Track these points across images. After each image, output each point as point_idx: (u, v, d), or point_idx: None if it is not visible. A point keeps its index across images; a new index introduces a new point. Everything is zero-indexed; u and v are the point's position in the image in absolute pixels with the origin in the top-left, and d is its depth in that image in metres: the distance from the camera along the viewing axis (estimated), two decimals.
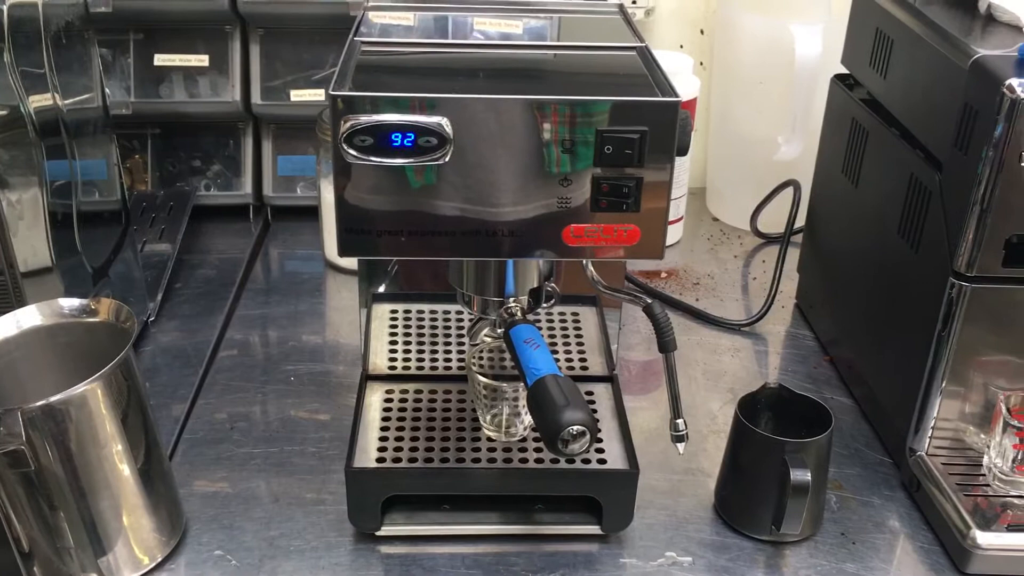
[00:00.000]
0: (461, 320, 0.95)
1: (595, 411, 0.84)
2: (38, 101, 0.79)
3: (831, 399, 0.97)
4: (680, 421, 0.72)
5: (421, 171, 0.63)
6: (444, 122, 0.62)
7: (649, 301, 0.70)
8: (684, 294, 1.15)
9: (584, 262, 0.75)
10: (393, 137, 0.63)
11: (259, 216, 1.29)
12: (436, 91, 0.63)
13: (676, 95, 0.64)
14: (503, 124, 0.63)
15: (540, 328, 0.72)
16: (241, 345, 1.04)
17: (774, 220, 1.25)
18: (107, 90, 1.01)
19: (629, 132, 0.63)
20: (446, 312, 0.96)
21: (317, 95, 1.21)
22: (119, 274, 0.99)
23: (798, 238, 1.14)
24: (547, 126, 0.63)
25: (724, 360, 1.04)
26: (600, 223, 0.66)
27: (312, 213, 1.24)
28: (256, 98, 1.21)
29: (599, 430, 0.80)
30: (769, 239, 1.27)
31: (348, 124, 0.62)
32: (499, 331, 0.76)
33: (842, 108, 0.99)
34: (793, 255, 1.15)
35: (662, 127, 0.63)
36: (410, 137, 0.63)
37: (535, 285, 0.74)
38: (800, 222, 1.14)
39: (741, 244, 1.27)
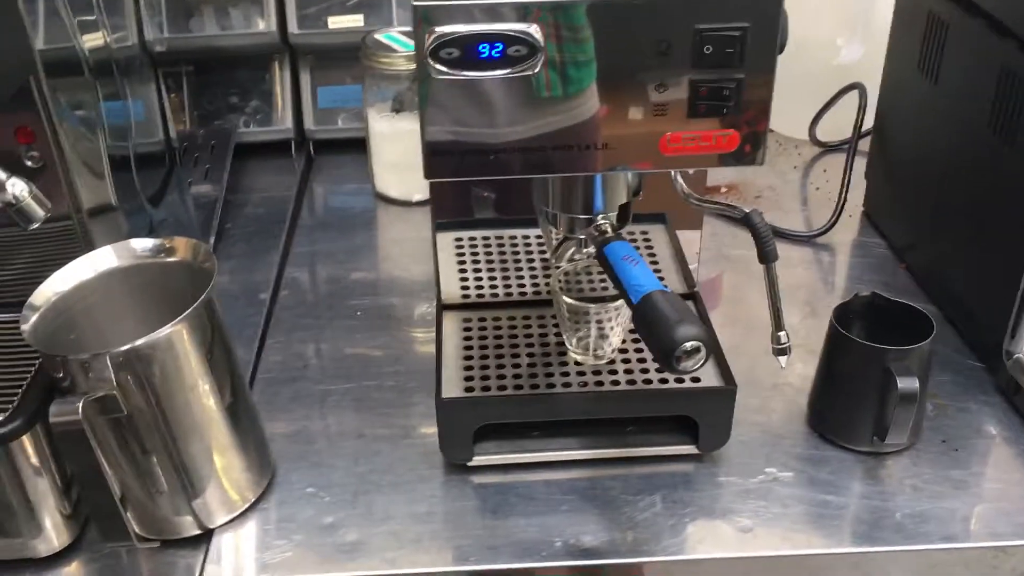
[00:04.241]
0: (529, 244, 0.93)
1: None
2: (91, 41, 0.76)
3: None
4: (782, 334, 0.70)
5: (516, 83, 0.60)
6: (534, 29, 0.59)
7: (747, 211, 0.67)
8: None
9: (673, 174, 0.71)
10: (480, 48, 0.59)
11: (300, 151, 1.25)
12: None
13: None
14: (596, 29, 0.59)
15: None
16: (301, 282, 1.02)
17: (830, 128, 1.21)
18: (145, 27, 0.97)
19: (730, 29, 0.59)
20: (512, 236, 0.93)
21: (356, 21, 1.16)
22: (171, 215, 0.97)
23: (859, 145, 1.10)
24: (642, 28, 0.59)
25: (797, 272, 1.01)
26: (698, 130, 0.63)
27: (355, 146, 1.20)
28: (293, 27, 1.17)
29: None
30: (828, 147, 1.23)
31: (433, 37, 0.58)
32: (585, 251, 0.73)
33: (915, 3, 0.94)
34: (856, 162, 1.11)
35: (764, 21, 0.60)
36: (498, 47, 0.59)
37: (624, 201, 0.71)
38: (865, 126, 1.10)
39: (799, 154, 1.23)
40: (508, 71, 0.60)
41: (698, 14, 0.59)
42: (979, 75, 0.83)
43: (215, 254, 1.04)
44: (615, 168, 0.64)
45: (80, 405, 0.61)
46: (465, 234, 0.93)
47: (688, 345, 0.58)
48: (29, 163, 0.70)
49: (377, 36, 1.09)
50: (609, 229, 0.69)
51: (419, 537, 0.71)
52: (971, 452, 0.77)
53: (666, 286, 0.62)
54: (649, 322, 0.60)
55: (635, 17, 0.59)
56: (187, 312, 0.65)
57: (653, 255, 0.91)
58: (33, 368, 0.70)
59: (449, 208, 0.89)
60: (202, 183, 1.13)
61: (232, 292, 0.99)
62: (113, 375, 0.63)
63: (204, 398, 0.68)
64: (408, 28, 1.11)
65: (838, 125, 1.19)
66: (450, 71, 0.59)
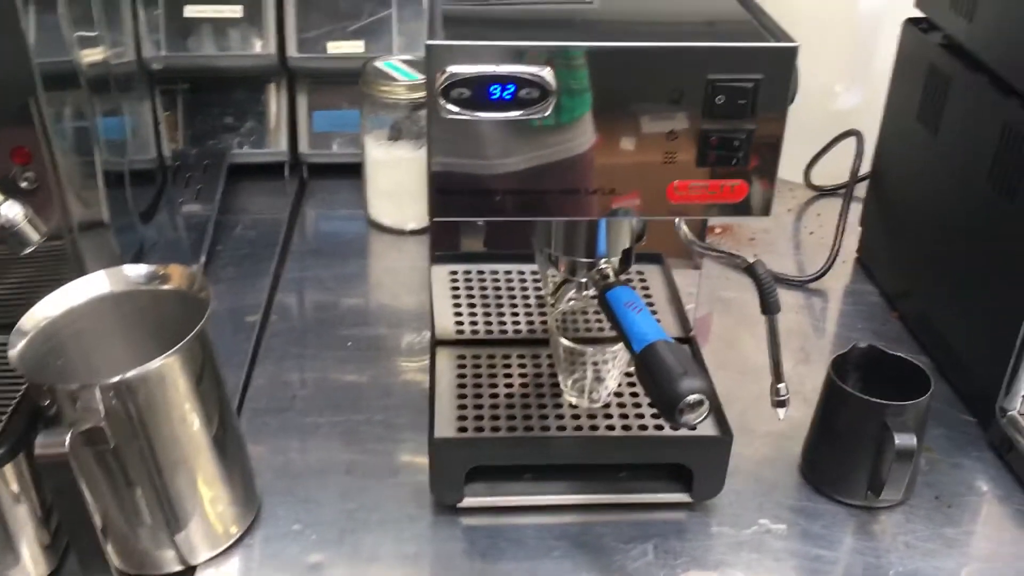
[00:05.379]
0: (524, 280, 0.92)
1: None
2: (89, 56, 0.74)
3: None
4: (782, 386, 0.69)
5: (526, 125, 0.59)
6: (547, 72, 0.58)
7: (751, 260, 0.67)
8: (741, 250, 1.11)
9: (677, 221, 0.71)
10: (491, 90, 0.58)
11: (294, 174, 1.24)
12: (534, 40, 0.59)
13: (791, 40, 0.60)
14: (610, 75, 0.59)
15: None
16: (292, 309, 1.01)
17: (826, 172, 1.21)
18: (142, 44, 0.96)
19: (743, 80, 0.59)
20: (507, 272, 0.93)
21: (356, 47, 1.16)
22: (162, 236, 0.95)
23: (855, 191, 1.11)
24: (655, 76, 0.59)
25: (789, 318, 1.01)
26: (706, 179, 0.62)
27: (349, 171, 1.19)
28: (292, 51, 1.16)
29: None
30: (823, 192, 1.23)
31: (445, 76, 0.58)
32: (585, 293, 0.73)
33: (916, 53, 0.95)
34: (852, 208, 1.11)
35: (777, 74, 0.60)
36: (510, 89, 0.58)
37: (627, 246, 0.70)
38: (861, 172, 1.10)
39: (794, 197, 1.24)
40: (519, 113, 0.59)
41: (711, 64, 0.59)
42: (980, 130, 0.83)
43: (205, 276, 1.04)
44: (620, 214, 0.64)
45: (67, 439, 0.59)
46: (460, 267, 0.92)
47: (691, 398, 0.58)
48: (24, 184, 0.69)
49: (377, 64, 1.08)
50: (611, 274, 0.69)
51: None
52: (963, 509, 0.77)
53: (669, 336, 0.62)
54: (652, 372, 0.59)
55: (648, 65, 0.59)
56: (180, 344, 0.63)
57: (649, 296, 0.91)
58: (18, 394, 0.68)
59: (446, 241, 0.88)
60: (193, 203, 1.12)
61: (221, 316, 0.98)
62: (101, 407, 0.61)
63: (192, 430, 0.67)
64: (409, 56, 1.11)
65: (834, 170, 1.20)
66: (460, 111, 0.59)
